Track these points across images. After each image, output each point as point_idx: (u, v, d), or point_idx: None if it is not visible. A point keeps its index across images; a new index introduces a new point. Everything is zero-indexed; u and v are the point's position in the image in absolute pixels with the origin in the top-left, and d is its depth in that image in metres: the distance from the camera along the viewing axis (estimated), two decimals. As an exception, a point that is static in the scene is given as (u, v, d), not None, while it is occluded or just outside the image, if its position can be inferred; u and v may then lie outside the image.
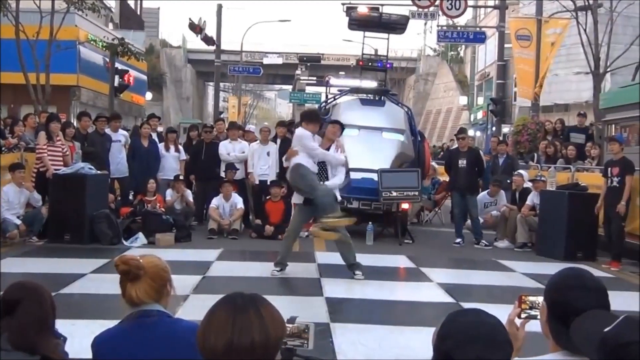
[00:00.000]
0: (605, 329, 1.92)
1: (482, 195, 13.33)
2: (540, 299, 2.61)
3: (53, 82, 19.53)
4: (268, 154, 13.44)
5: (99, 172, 11.73)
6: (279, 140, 13.71)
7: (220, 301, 2.02)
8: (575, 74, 27.12)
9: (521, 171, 13.64)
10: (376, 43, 17.40)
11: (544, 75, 21.86)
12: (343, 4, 23.94)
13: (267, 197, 12.76)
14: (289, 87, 61.58)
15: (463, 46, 52.24)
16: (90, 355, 2.73)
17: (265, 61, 45.24)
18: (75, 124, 14.11)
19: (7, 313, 2.64)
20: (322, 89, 36.84)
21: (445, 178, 14.88)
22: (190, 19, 33.23)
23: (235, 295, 2.02)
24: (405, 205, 12.59)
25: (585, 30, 19.85)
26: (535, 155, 16.48)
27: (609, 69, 20.56)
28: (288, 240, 9.27)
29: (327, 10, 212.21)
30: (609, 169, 10.94)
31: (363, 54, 16.23)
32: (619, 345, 1.84)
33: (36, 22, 18.57)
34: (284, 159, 9.78)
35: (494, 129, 27.77)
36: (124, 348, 2.65)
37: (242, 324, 1.91)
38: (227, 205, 12.56)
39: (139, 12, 53.79)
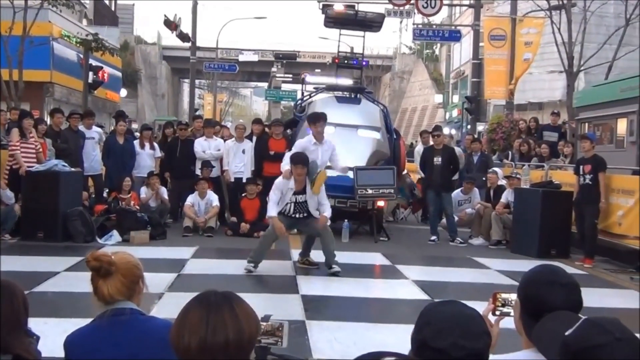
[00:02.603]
0: (566, 333, 1.93)
1: (456, 193, 13.38)
2: (513, 296, 2.63)
3: (26, 79, 19.30)
4: (243, 151, 13.42)
5: (72, 169, 11.64)
6: (254, 138, 13.69)
7: (194, 299, 2.01)
8: (548, 72, 27.37)
9: (495, 169, 13.72)
10: (352, 41, 17.42)
11: (520, 75, 22.00)
12: (319, 2, 23.98)
13: (243, 195, 12.72)
14: (265, 85, 61.55)
15: (438, 44, 52.51)
16: (63, 354, 2.71)
17: (241, 58, 45.12)
18: (47, 120, 13.98)
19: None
20: (298, 87, 36.78)
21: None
22: (165, 16, 33.00)
23: (209, 293, 2.01)
24: (380, 203, 12.61)
25: (559, 29, 20.03)
26: (510, 153, 16.59)
27: (582, 68, 20.76)
28: (266, 242, 9.17)
29: (303, 7, 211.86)
30: (581, 166, 11.03)
31: (339, 51, 16.22)
32: (580, 350, 1.86)
33: (9, 17, 18.35)
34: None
35: (469, 127, 27.93)
36: (96, 346, 2.63)
37: (215, 322, 1.90)
38: (203, 203, 12.52)
39: (113, 8, 53.36)
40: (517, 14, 22.77)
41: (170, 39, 45.87)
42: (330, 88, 15.62)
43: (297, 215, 9.00)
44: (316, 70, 45.73)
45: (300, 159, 8.80)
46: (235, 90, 72.23)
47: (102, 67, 24.62)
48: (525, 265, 8.05)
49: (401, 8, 26.25)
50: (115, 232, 11.19)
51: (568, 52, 19.82)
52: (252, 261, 8.96)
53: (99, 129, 14.29)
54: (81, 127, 13.07)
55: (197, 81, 44.55)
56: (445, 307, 2.01)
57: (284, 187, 8.88)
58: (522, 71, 21.87)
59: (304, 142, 9.64)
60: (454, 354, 1.87)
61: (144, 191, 12.96)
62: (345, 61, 16.06)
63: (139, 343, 2.61)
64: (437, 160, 12.58)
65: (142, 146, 13.67)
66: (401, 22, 51.53)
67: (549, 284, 2.42)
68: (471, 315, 1.98)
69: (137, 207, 12.14)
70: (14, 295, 2.58)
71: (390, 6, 25.84)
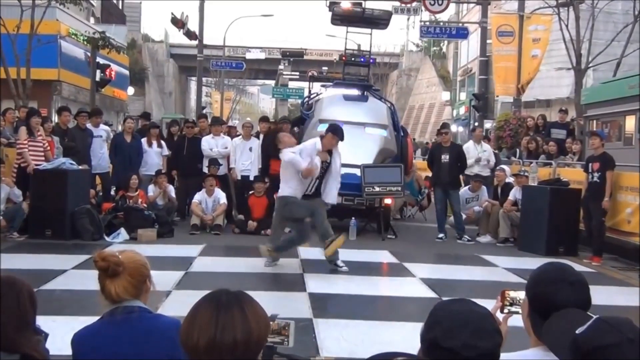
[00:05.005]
0: (578, 331, 1.91)
1: (464, 191, 13.37)
2: (522, 295, 2.61)
3: (34, 77, 19.35)
4: (250, 149, 13.42)
5: (80, 167, 11.67)
6: (261, 136, 13.69)
7: (205, 298, 2.01)
8: (556, 69, 27.27)
9: (503, 166, 13.70)
10: (359, 38, 17.41)
11: (533, 72, 21.91)
12: (326, -1, 23.92)
13: (250, 193, 12.72)
14: (272, 82, 61.50)
15: (446, 42, 52.34)
16: (71, 352, 2.71)
17: (248, 56, 45.13)
18: (55, 118, 14.01)
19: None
20: (305, 84, 36.82)
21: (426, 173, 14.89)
22: (172, 14, 33.04)
23: (220, 293, 2.01)
24: (388, 201, 12.60)
25: (567, 26, 19.96)
26: (517, 150, 16.54)
27: (590, 65, 20.68)
28: (277, 224, 9.48)
29: (310, 5, 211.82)
30: (590, 164, 11.00)
31: (346, 49, 16.20)
32: (591, 349, 1.84)
33: (17, 16, 18.40)
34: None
35: (476, 124, 27.87)
36: (104, 344, 2.64)
37: (224, 321, 1.90)
38: (210, 201, 12.52)
39: (120, 6, 53.39)
40: (525, 11, 22.69)
41: (178, 37, 46.04)
42: (337, 85, 15.59)
43: (309, 190, 9.19)
44: (323, 68, 45.70)
45: (341, 134, 9.12)
46: (242, 88, 72.24)
47: (109, 65, 24.63)
48: (533, 263, 8.03)
49: (408, 5, 26.23)
50: (122, 230, 11.21)
51: (576, 49, 19.75)
52: (272, 247, 9.20)
53: (107, 127, 14.30)
54: (89, 125, 13.10)
55: (204, 79, 44.55)
56: (456, 306, 1.99)
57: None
58: (530, 69, 21.76)
59: (310, 147, 9.35)
60: (466, 353, 1.86)
61: (151, 189, 12.97)
62: (352, 59, 16.05)
63: (147, 341, 2.61)
64: (445, 157, 12.55)
65: (150, 144, 13.68)
66: (408, 19, 51.48)
67: (556, 282, 2.40)
68: (482, 314, 1.96)
69: (145, 205, 12.16)
70: (19, 292, 2.55)
71: (397, 3, 25.81)
